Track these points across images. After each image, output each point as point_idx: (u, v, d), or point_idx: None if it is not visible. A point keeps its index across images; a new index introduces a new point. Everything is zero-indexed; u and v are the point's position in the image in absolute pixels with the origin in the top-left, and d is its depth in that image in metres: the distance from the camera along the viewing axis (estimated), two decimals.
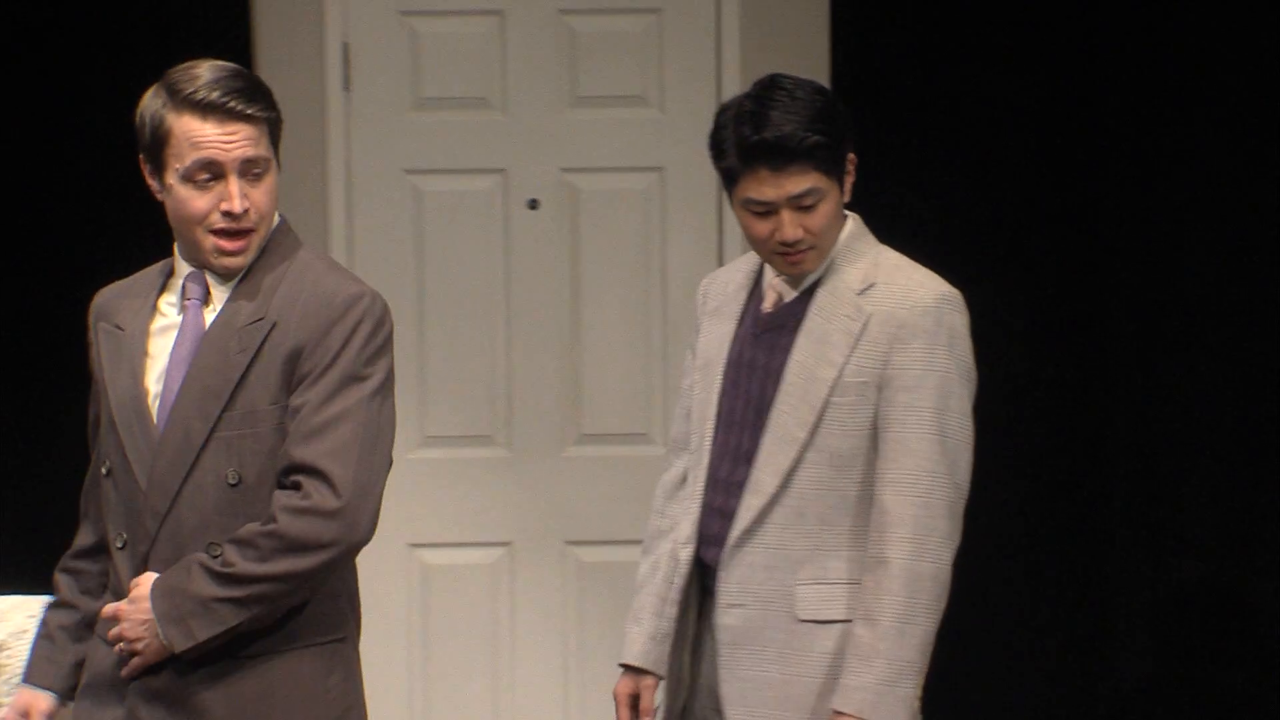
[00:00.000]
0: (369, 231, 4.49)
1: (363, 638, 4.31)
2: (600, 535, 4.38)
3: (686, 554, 2.83)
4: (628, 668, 2.88)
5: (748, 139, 2.67)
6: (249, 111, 2.56)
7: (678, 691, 2.93)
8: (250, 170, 2.58)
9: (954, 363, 2.72)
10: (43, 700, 2.73)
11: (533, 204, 4.42)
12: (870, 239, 2.86)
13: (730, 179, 2.74)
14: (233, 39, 4.33)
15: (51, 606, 2.83)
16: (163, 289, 2.70)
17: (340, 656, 2.69)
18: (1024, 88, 4.53)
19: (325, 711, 2.65)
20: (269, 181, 2.62)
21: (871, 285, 2.74)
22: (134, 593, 2.61)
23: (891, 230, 4.01)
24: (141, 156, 2.65)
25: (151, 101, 2.62)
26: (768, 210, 2.68)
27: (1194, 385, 4.58)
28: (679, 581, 2.85)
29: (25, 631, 3.28)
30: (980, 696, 4.63)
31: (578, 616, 4.42)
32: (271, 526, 2.54)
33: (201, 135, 2.53)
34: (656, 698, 2.90)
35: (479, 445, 4.44)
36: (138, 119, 2.66)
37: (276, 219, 2.68)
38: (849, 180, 2.75)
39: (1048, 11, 4.46)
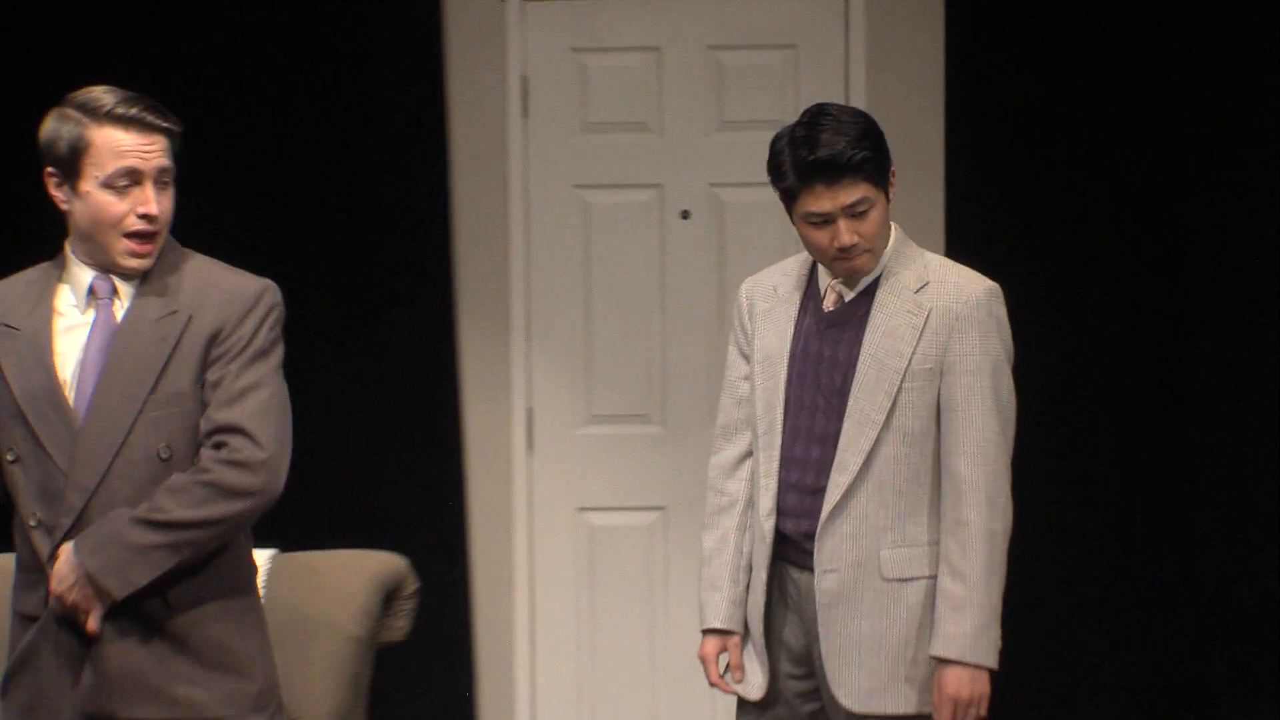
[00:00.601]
0: (543, 239, 4.77)
1: (538, 587, 4.44)
2: None
3: (769, 525, 3.05)
4: (711, 631, 3.15)
5: (804, 159, 2.87)
6: (164, 125, 2.81)
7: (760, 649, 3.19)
8: (161, 178, 2.81)
9: (1002, 346, 2.98)
10: None
11: (685, 214, 4.65)
12: (913, 245, 3.11)
13: (790, 197, 2.95)
14: (426, 75, 4.68)
15: None
16: (51, 291, 2.94)
17: (251, 611, 2.97)
18: (1125, 112, 4.64)
19: (240, 662, 2.92)
20: (171, 190, 2.85)
21: (926, 284, 2.98)
22: (59, 561, 2.81)
23: (1005, 235, 4.49)
24: (49, 169, 2.85)
25: (62, 121, 2.83)
26: (825, 220, 2.89)
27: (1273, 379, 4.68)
28: (765, 549, 3.08)
29: None
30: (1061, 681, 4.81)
31: None
32: (204, 476, 2.77)
33: (124, 145, 2.78)
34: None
35: (638, 423, 4.69)
36: (46, 137, 2.86)
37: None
38: (892, 190, 3.00)
39: (1153, 35, 4.57)
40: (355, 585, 3.81)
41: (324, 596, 3.68)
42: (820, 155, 2.84)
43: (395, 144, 4.76)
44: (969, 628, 2.91)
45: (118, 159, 2.75)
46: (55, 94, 2.96)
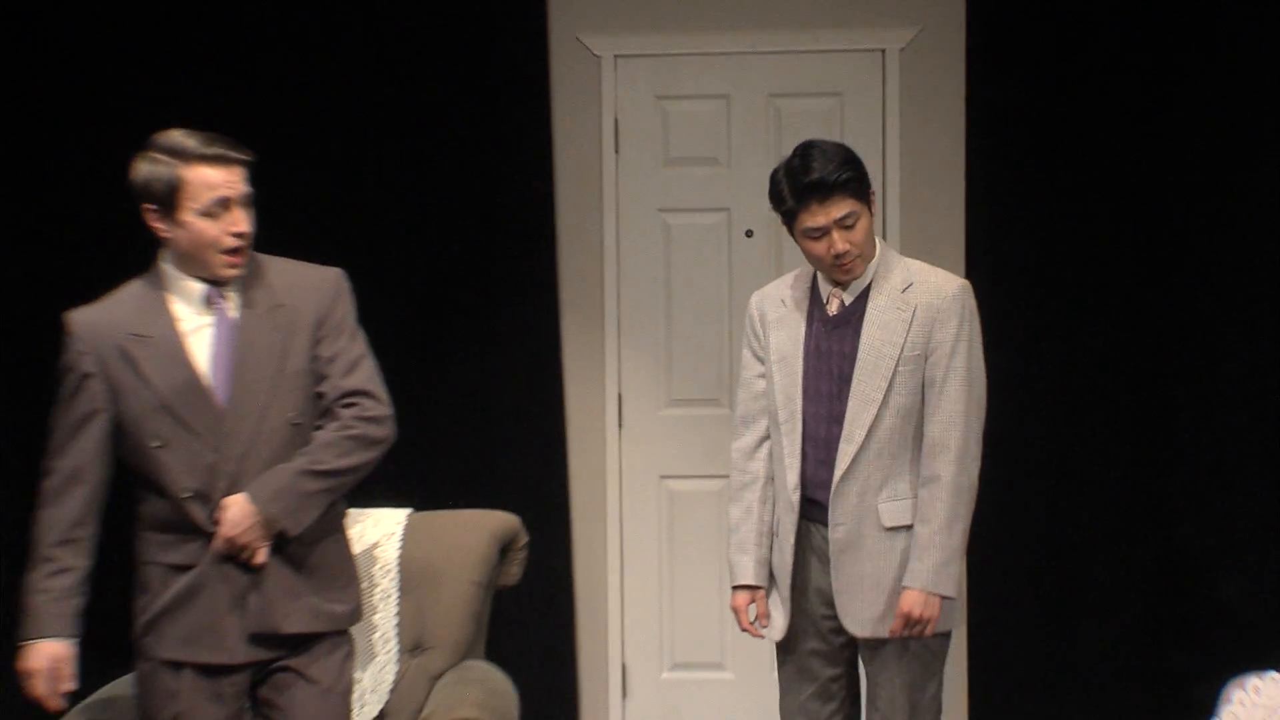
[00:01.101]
0: (631, 253, 5.13)
1: (626, 542, 4.79)
2: None
3: (796, 496, 3.35)
4: (741, 587, 3.44)
5: (800, 183, 3.16)
6: (242, 158, 3.03)
7: (795, 598, 3.40)
8: (245, 201, 3.04)
9: (973, 332, 3.32)
10: (63, 648, 3.07)
11: (749, 233, 4.99)
12: (895, 254, 3.41)
13: (790, 217, 3.24)
14: (537, 118, 5.01)
15: (43, 576, 3.09)
16: (163, 303, 3.10)
17: (347, 542, 3.28)
18: (1116, 151, 4.84)
19: (350, 580, 3.24)
20: (251, 209, 3.07)
21: (910, 285, 3.32)
22: (230, 511, 3.01)
23: (1014, 249, 4.73)
24: (147, 206, 3.00)
25: (154, 165, 2.99)
26: (821, 233, 3.20)
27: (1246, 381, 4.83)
28: (793, 516, 3.36)
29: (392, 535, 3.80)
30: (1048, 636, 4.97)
31: None
32: (349, 431, 3.08)
33: (214, 179, 2.99)
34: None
35: (710, 406, 5.01)
36: (142, 179, 3.00)
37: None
38: (873, 206, 3.26)
39: (1153, 88, 4.79)
40: (477, 539, 4.00)
41: (451, 548, 3.86)
42: (813, 178, 3.14)
43: (512, 175, 5.04)
44: (930, 564, 3.21)
45: (211, 191, 2.96)
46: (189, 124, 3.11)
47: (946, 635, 3.37)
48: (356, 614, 3.23)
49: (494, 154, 5.04)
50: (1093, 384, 4.88)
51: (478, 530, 4.03)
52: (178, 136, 2.98)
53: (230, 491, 2.99)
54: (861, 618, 3.26)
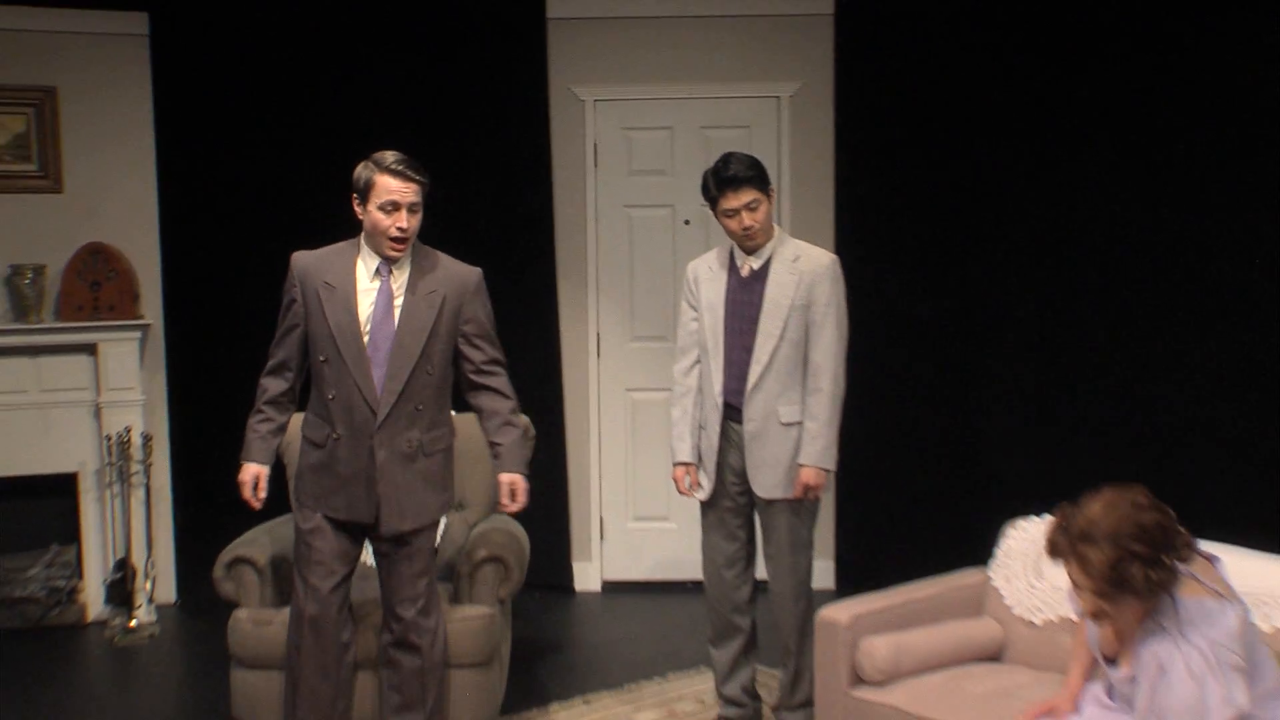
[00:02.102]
0: (606, 236, 5.75)
1: (604, 436, 5.72)
2: None
3: (720, 402, 3.67)
4: (680, 463, 3.77)
5: (721, 177, 3.57)
6: (417, 177, 3.33)
7: (717, 472, 3.73)
8: (413, 208, 3.32)
9: (840, 291, 3.65)
10: (262, 470, 3.50)
11: (686, 222, 5.62)
12: (789, 236, 3.68)
13: (714, 203, 3.60)
14: (540, 142, 5.64)
15: (256, 422, 3.53)
16: (353, 264, 3.38)
17: (451, 448, 3.53)
18: (953, 154, 5.33)
19: (448, 482, 3.54)
20: (419, 215, 3.34)
21: (798, 257, 3.63)
22: (512, 477, 3.48)
23: (871, 238, 5.27)
24: (354, 195, 3.35)
25: (364, 169, 3.34)
26: (734, 213, 3.55)
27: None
28: (718, 415, 3.69)
29: None
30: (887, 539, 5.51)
31: None
32: (511, 404, 3.55)
33: (391, 187, 3.31)
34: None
35: (659, 341, 5.63)
36: (355, 175, 3.34)
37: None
38: (772, 198, 3.61)
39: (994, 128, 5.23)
40: None
41: (482, 438, 3.86)
42: (729, 174, 3.58)
43: (525, 183, 5.67)
44: (818, 448, 3.63)
45: (388, 194, 3.33)
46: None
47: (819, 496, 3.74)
48: (448, 505, 3.65)
49: (512, 168, 5.65)
50: (922, 329, 5.55)
51: None
52: (385, 154, 3.36)
53: (386, 415, 3.37)
54: (766, 485, 3.69)
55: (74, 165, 5.59)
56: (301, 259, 3.42)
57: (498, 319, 4.67)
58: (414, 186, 3.32)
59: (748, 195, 3.56)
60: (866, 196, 5.60)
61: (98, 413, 5.59)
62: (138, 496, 5.56)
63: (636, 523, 5.85)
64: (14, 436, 5.48)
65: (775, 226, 3.66)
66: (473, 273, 3.47)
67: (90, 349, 5.53)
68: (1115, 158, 5.02)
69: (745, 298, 3.63)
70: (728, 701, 3.91)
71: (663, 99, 5.68)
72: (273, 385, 3.51)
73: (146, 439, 5.58)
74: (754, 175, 3.58)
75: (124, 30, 5.61)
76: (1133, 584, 2.70)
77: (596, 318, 5.85)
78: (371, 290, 3.37)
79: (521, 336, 5.24)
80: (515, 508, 3.49)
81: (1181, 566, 2.76)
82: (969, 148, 5.39)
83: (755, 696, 3.94)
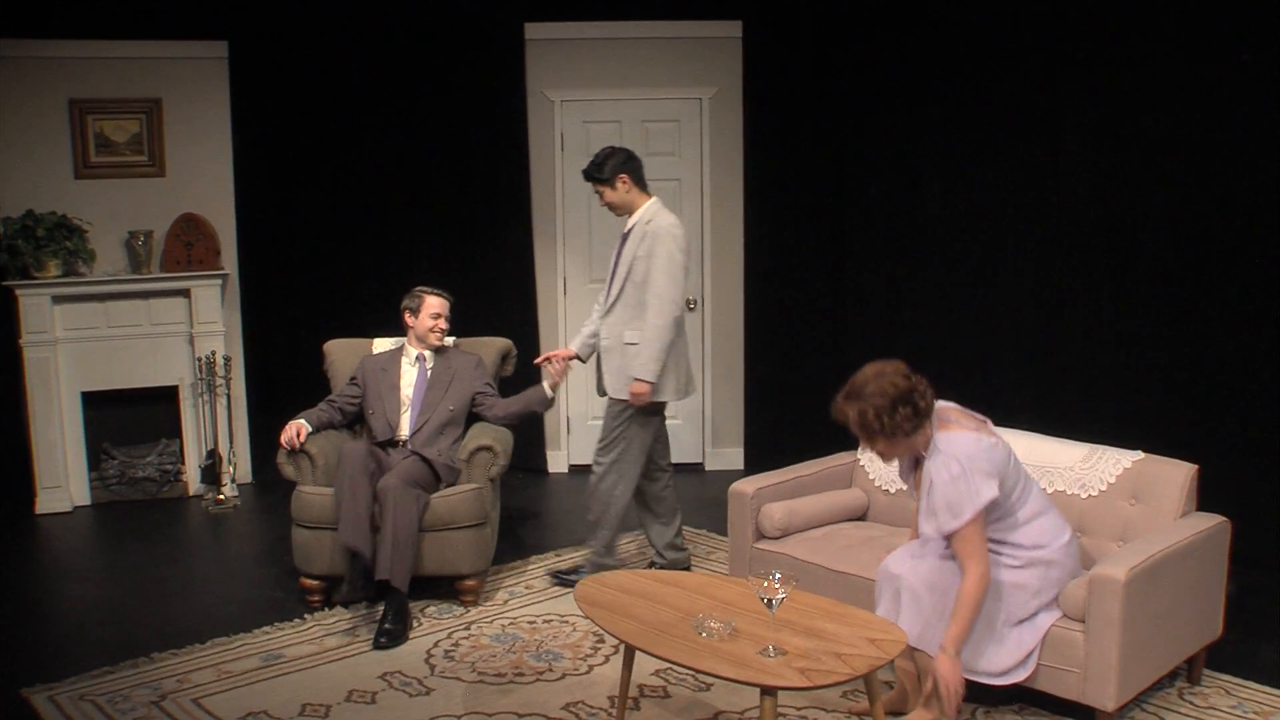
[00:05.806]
0: (571, 207, 6.73)
1: (572, 338, 5.52)
2: None
3: (598, 316, 4.69)
4: (573, 357, 4.78)
5: (588, 170, 4.58)
6: (447, 297, 4.77)
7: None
8: (445, 315, 4.77)
9: (672, 248, 4.44)
10: (305, 427, 4.59)
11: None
12: (658, 205, 4.51)
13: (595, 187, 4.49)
14: (519, 136, 6.65)
15: (313, 410, 4.65)
16: (399, 358, 4.69)
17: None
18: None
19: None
20: (449, 320, 4.67)
21: (650, 220, 4.52)
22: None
23: (771, 215, 6.51)
24: (405, 307, 4.63)
25: (411, 296, 4.66)
26: (600, 195, 4.60)
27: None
28: (593, 327, 4.71)
29: None
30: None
31: None
32: (506, 402, 4.81)
33: (433, 305, 4.77)
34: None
35: (600, 283, 5.77)
36: (405, 302, 4.61)
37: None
38: (621, 184, 4.45)
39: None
40: (489, 352, 5.15)
41: (475, 356, 4.85)
42: (585, 169, 4.57)
43: (508, 166, 6.72)
44: (642, 361, 4.47)
45: (430, 309, 4.73)
46: None
47: (662, 404, 4.56)
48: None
49: (498, 152, 6.72)
50: (811, 282, 6.47)
51: (490, 347, 5.26)
52: (425, 286, 4.56)
53: (412, 441, 4.32)
54: (610, 387, 4.63)
55: (174, 156, 6.71)
56: (369, 361, 4.67)
57: (487, 271, 6.21)
58: (446, 304, 4.70)
59: (595, 186, 4.58)
60: (769, 178, 6.62)
61: (191, 340, 6.68)
62: (221, 403, 6.64)
63: (594, 421, 6.75)
64: (132, 358, 6.62)
65: (645, 196, 4.49)
66: (475, 358, 4.78)
67: (185, 293, 6.66)
68: (956, 158, 5.78)
69: (617, 251, 4.61)
70: (657, 552, 4.97)
71: (613, 100, 6.78)
72: (326, 412, 4.81)
73: (227, 360, 6.69)
74: (589, 173, 4.53)
75: (210, 55, 6.67)
76: (881, 428, 3.20)
77: (563, 265, 6.98)
78: (411, 372, 4.69)
79: (506, 281, 6.73)
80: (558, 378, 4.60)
81: (952, 418, 3.28)
82: (845, 142, 6.31)
83: (675, 550, 4.93)
